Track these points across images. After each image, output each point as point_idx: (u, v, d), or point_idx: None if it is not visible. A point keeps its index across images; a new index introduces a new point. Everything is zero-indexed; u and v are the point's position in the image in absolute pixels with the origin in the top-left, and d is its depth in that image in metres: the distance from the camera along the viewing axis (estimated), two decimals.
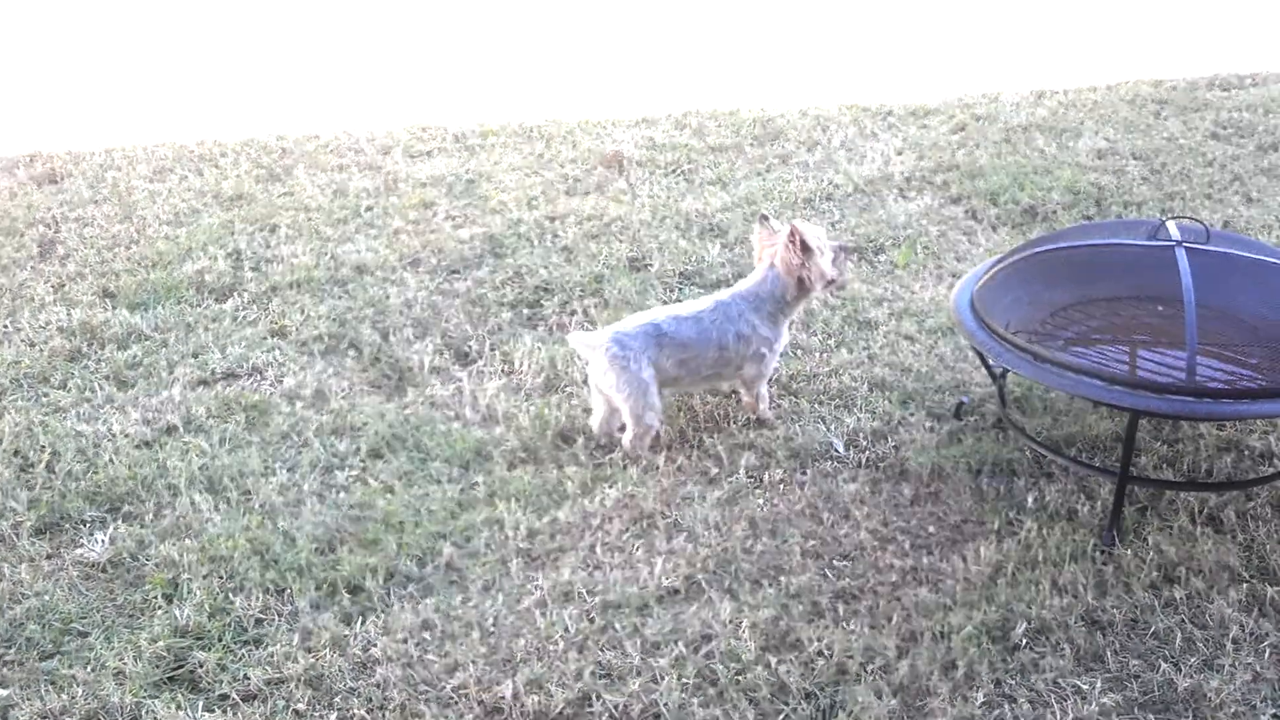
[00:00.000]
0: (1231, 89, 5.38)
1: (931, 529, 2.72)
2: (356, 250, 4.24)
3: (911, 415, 3.16)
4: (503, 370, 3.49)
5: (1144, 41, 6.17)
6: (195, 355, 3.58)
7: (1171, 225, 2.76)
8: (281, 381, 3.43)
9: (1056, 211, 4.27)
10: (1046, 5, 7.09)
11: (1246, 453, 2.92)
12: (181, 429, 3.21)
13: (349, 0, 8.26)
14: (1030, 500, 2.77)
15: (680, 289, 3.94)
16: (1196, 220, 2.79)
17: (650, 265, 4.09)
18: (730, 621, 2.45)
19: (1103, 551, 2.59)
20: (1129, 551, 2.58)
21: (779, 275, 3.15)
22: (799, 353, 3.50)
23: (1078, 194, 4.37)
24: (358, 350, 3.62)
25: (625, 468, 3.00)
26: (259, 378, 3.47)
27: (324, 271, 4.08)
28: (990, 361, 2.88)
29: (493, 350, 3.58)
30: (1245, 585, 2.50)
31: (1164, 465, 2.89)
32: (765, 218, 3.26)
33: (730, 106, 5.59)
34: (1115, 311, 3.00)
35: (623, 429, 3.14)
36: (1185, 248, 2.67)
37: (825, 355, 3.49)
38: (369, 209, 4.59)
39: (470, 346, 3.61)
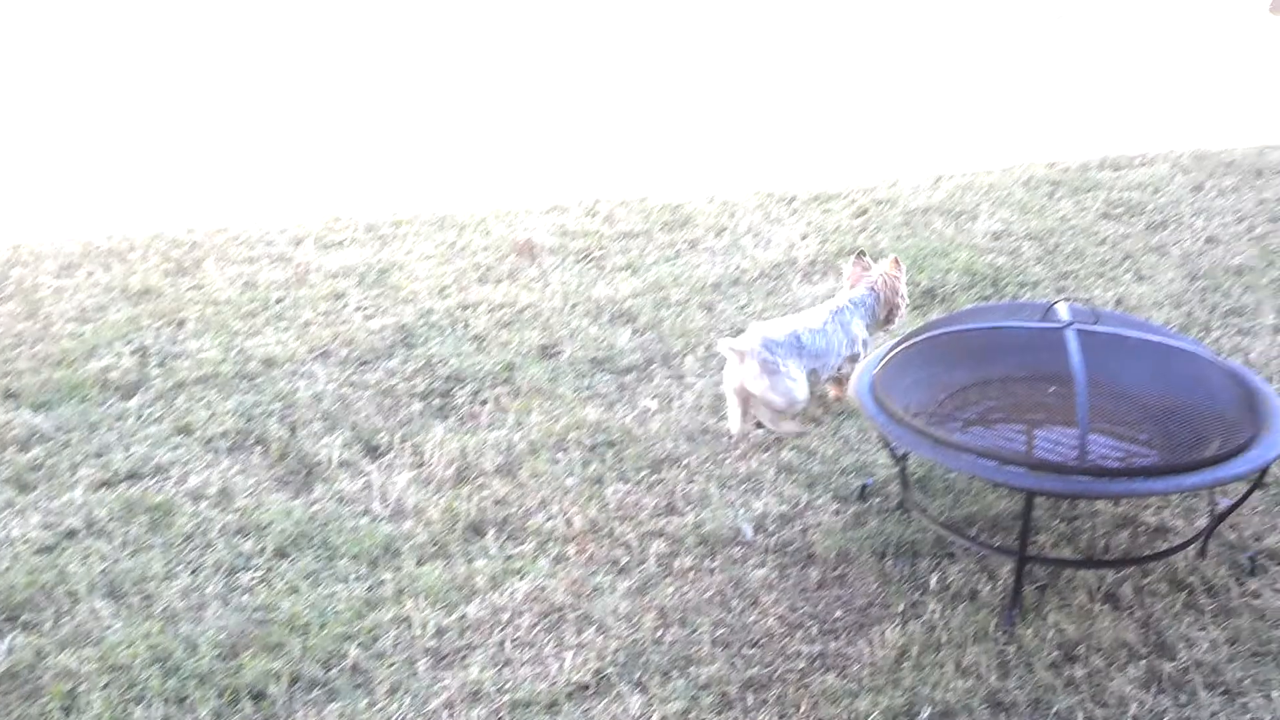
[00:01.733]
0: (1121, 169, 5.59)
1: (838, 613, 2.75)
2: (265, 343, 4.21)
3: (818, 498, 3.21)
4: (413, 462, 3.48)
5: (1037, 125, 6.40)
6: (98, 455, 3.51)
7: (1062, 307, 2.86)
8: (186, 481, 3.38)
9: (955, 292, 4.39)
10: (943, 92, 7.34)
11: (1141, 528, 3.01)
12: (83, 532, 3.14)
13: (258, 91, 8.28)
14: (934, 581, 2.82)
15: (591, 376, 3.97)
16: (1085, 302, 2.89)
17: (561, 352, 4.12)
18: (640, 716, 2.45)
19: (1004, 631, 2.64)
20: (1030, 631, 2.63)
21: (880, 296, 3.70)
22: (708, 437, 3.54)
23: (975, 275, 4.50)
24: (265, 446, 3.58)
25: (535, 559, 2.99)
26: (163, 477, 3.41)
27: (231, 366, 4.04)
28: (892, 444, 2.94)
29: (403, 442, 3.57)
30: (1143, 662, 2.56)
31: (1062, 543, 2.96)
32: (862, 254, 3.83)
33: (640, 194, 5.68)
34: (1011, 391, 3.09)
35: (759, 425, 3.53)
36: (1075, 329, 2.76)
37: (733, 439, 3.53)
38: (279, 301, 4.57)
39: (380, 439, 3.59)
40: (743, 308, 4.41)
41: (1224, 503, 2.85)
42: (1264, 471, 2.63)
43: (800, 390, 3.45)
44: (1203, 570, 2.83)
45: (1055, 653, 2.58)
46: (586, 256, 4.96)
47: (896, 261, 3.74)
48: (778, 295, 4.50)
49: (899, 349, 3.04)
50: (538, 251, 5.01)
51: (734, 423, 3.52)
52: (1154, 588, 2.79)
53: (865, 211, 5.26)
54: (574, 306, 4.47)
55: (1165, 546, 2.90)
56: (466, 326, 4.34)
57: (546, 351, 4.15)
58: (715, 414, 3.67)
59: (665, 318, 4.35)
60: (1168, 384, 2.86)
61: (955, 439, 2.67)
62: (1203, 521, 2.97)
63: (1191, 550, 2.87)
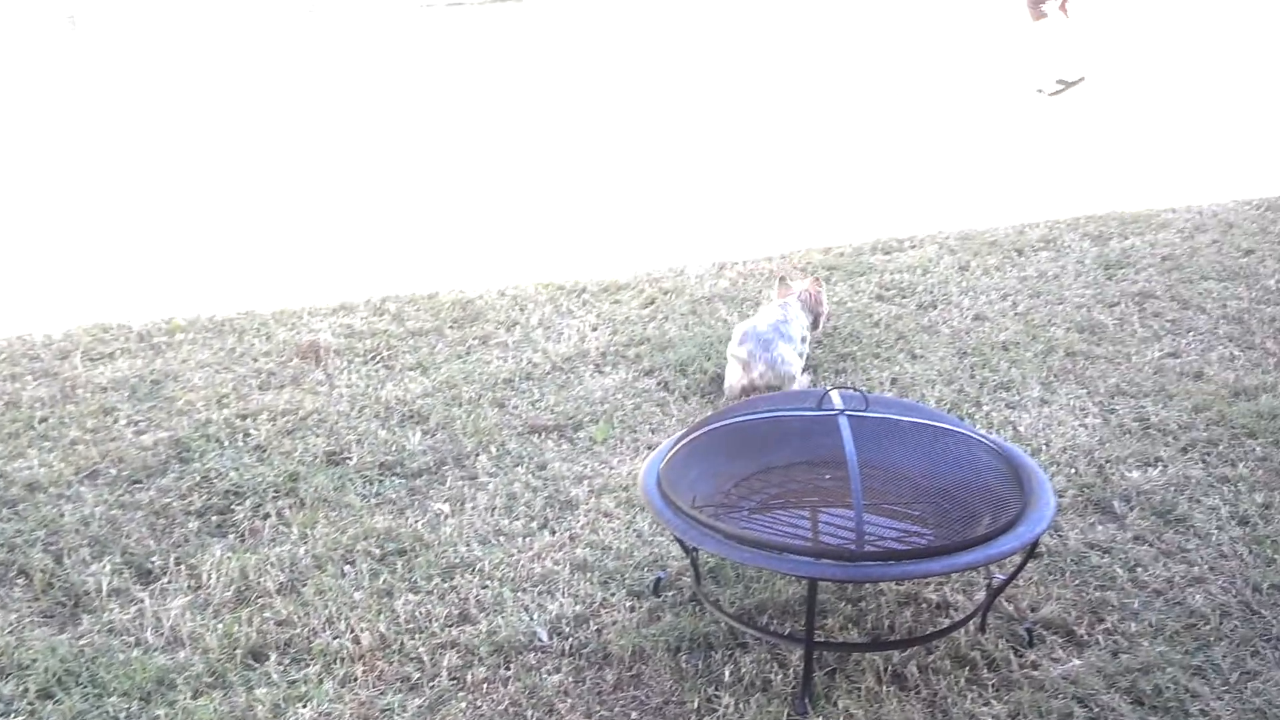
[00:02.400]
0: (892, 252, 5.85)
1: (634, 715, 2.72)
2: (29, 466, 3.96)
3: (613, 595, 3.19)
4: (189, 586, 3.31)
5: (812, 212, 6.65)
6: None
7: (835, 394, 2.94)
8: None
9: None
10: (724, 182, 7.56)
11: (924, 605, 3.10)
12: None
13: (19, 194, 7.88)
14: (727, 674, 2.83)
15: (380, 481, 3.87)
16: (856, 387, 2.98)
17: (349, 459, 4.01)
18: None
19: None
20: (820, 719, 2.66)
21: (806, 304, 4.53)
22: (501, 539, 3.49)
23: None
24: (27, 578, 3.35)
25: (321, 683, 2.87)
26: None
27: None
28: (681, 540, 2.95)
29: (178, 565, 3.39)
30: None
31: (849, 625, 3.02)
32: (784, 278, 4.71)
33: (429, 289, 5.62)
34: (792, 478, 3.16)
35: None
36: (847, 416, 2.85)
37: (528, 539, 3.49)
38: (43, 420, 4.31)
39: (153, 562, 3.41)
40: (535, 403, 4.40)
41: (999, 577, 2.96)
42: (1034, 545, 2.74)
43: (796, 367, 4.33)
44: (984, 644, 2.93)
45: None
46: (375, 357, 4.86)
47: (816, 280, 4.69)
48: (570, 388, 4.50)
49: (683, 443, 3.07)
50: (323, 354, 4.89)
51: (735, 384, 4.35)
52: (938, 665, 2.86)
53: (653, 301, 5.34)
54: (362, 410, 4.37)
55: (947, 623, 2.99)
56: (247, 437, 4.18)
57: (333, 459, 4.03)
58: (509, 514, 3.63)
59: (457, 416, 4.29)
60: (938, 464, 2.97)
61: (740, 531, 2.70)
62: (981, 595, 3.08)
63: (972, 625, 2.96)
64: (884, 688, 2.78)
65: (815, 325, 4.57)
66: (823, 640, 2.90)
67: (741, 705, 2.70)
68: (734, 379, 4.35)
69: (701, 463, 3.08)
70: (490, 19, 17.08)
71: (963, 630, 2.94)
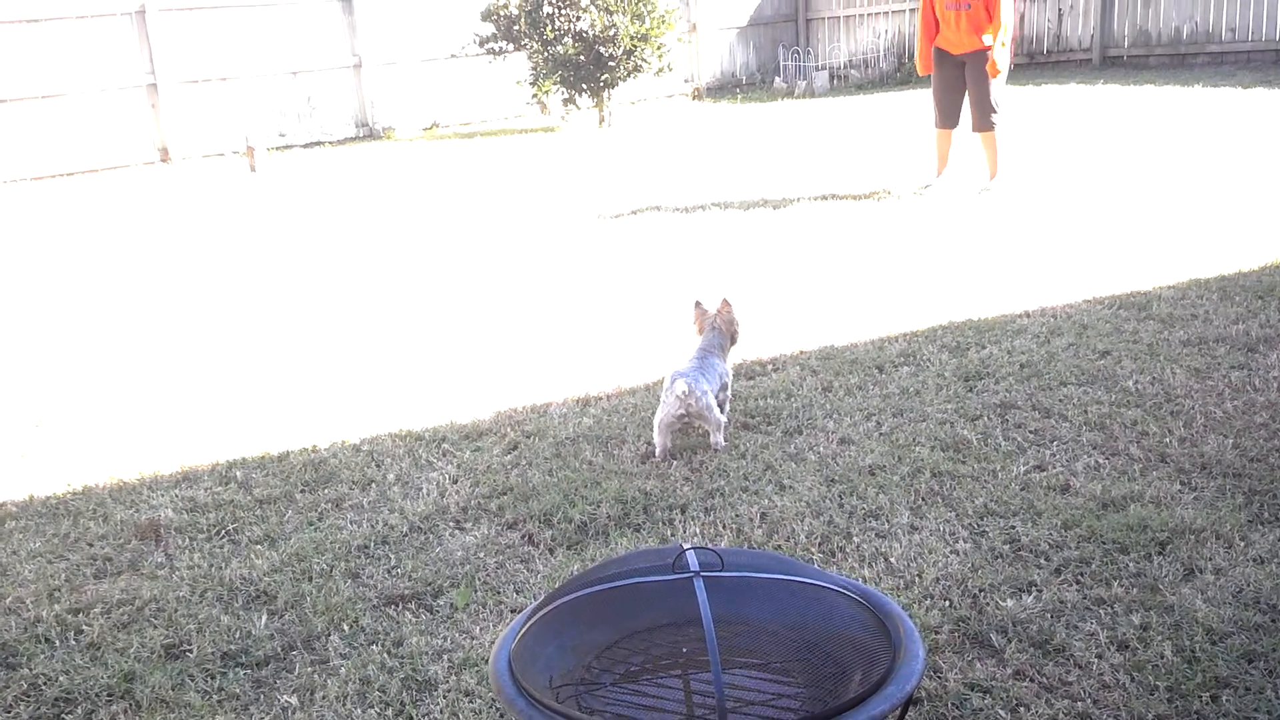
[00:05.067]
0: (756, 376, 5.79)
1: None
2: None
3: None
4: None
5: (670, 338, 6.58)
6: None
7: (690, 554, 2.80)
8: None
9: (608, 526, 4.32)
10: (589, 314, 7.49)
11: None
12: None
13: None
14: None
15: (224, 674, 3.58)
16: (710, 547, 2.84)
17: (189, 651, 3.72)
18: None
19: None
20: None
21: (720, 329, 5.11)
22: None
23: (627, 503, 4.45)
24: None
25: None
26: None
27: None
28: None
29: None
30: None
31: None
32: (699, 302, 5.20)
33: (280, 448, 5.37)
34: (654, 642, 2.98)
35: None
36: (702, 577, 2.70)
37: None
38: None
39: None
40: (391, 570, 4.16)
41: None
42: (909, 699, 2.61)
43: (715, 404, 4.87)
44: None
45: None
46: (220, 532, 4.58)
47: (726, 301, 5.11)
48: (429, 550, 4.28)
49: (537, 616, 2.88)
50: (164, 533, 4.59)
51: (662, 450, 4.87)
52: None
53: (516, 447, 5.17)
54: (204, 593, 4.08)
55: None
56: (79, 634, 3.86)
57: (171, 652, 3.73)
58: (362, 703, 3.37)
59: (307, 593, 4.03)
60: (803, 619, 2.84)
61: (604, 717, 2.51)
62: None
63: None
64: None
65: (734, 340, 5.15)
66: None
67: None
68: (671, 410, 4.79)
69: (558, 636, 2.89)
70: (340, 159, 17.06)
71: None
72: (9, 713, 3.45)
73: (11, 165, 16.43)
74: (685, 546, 2.88)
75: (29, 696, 3.54)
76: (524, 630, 2.88)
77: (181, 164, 17.65)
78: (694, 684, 2.83)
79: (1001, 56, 9.94)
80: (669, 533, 4.23)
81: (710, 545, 3.11)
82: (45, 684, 3.58)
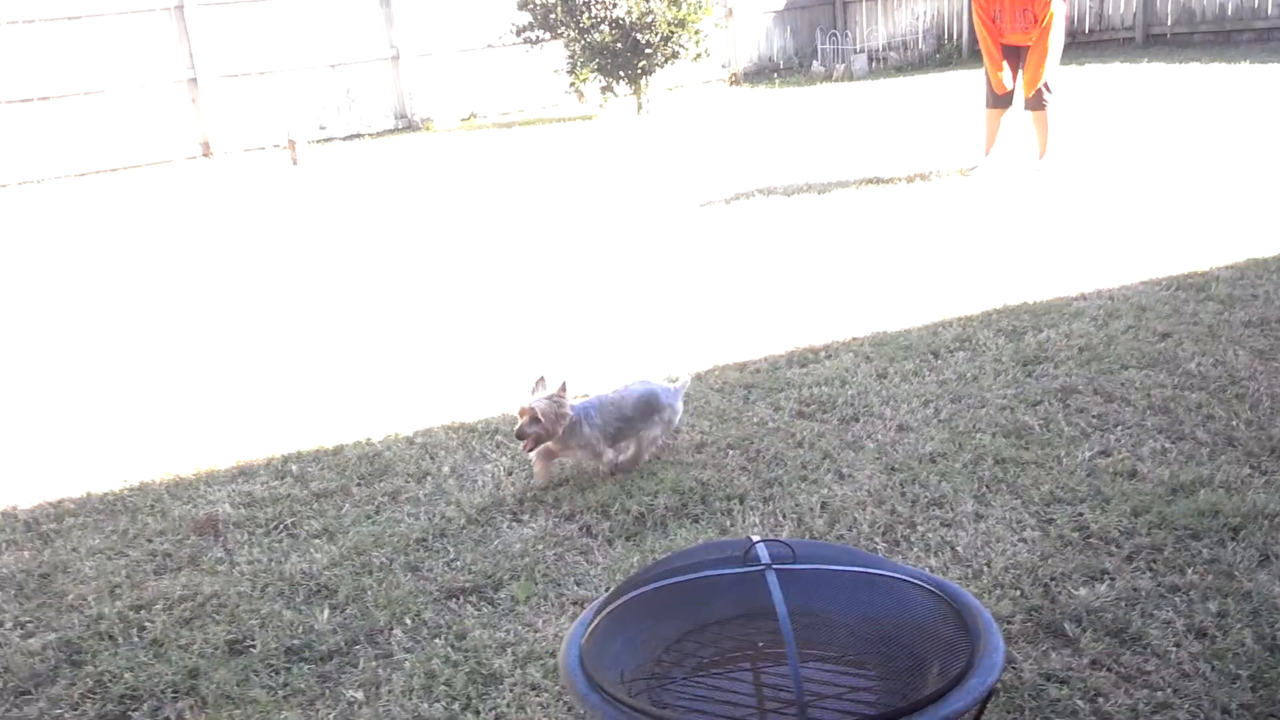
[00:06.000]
0: (809, 364, 5.72)
1: None
2: None
3: None
4: None
5: (720, 327, 6.54)
6: None
7: (761, 547, 2.76)
8: None
9: (665, 517, 4.28)
10: (632, 303, 7.44)
11: None
12: None
13: None
14: None
15: (287, 669, 3.58)
16: (782, 541, 2.80)
17: (253, 646, 3.72)
18: None
19: None
20: None
21: (545, 416, 4.57)
22: None
23: (683, 494, 4.42)
24: None
25: None
26: None
27: None
28: None
29: None
30: None
31: None
32: (543, 378, 4.62)
33: (334, 442, 5.37)
34: (724, 635, 2.94)
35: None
36: (774, 571, 2.66)
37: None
38: None
39: None
40: (450, 563, 4.15)
41: None
42: (990, 695, 2.55)
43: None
44: None
45: None
46: (278, 526, 4.59)
47: (562, 389, 4.57)
48: (487, 543, 4.26)
49: (605, 612, 2.85)
50: (222, 528, 4.60)
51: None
52: None
53: None
54: (265, 589, 4.08)
55: None
56: (142, 630, 3.87)
57: (235, 648, 3.74)
58: (428, 696, 3.36)
59: (368, 586, 4.02)
60: (877, 611, 2.79)
61: (670, 715, 2.47)
62: None
63: None
64: None
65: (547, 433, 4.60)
66: None
67: None
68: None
69: (627, 630, 2.86)
70: (380, 152, 17.09)
71: None
72: (76, 710, 3.46)
73: (56, 162, 16.58)
74: (755, 539, 2.84)
75: (95, 694, 3.55)
76: (593, 625, 2.85)
77: (223, 158, 17.75)
78: (766, 677, 2.79)
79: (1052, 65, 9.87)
80: (727, 523, 4.19)
81: (780, 538, 3.05)
82: (111, 681, 3.60)
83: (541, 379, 4.59)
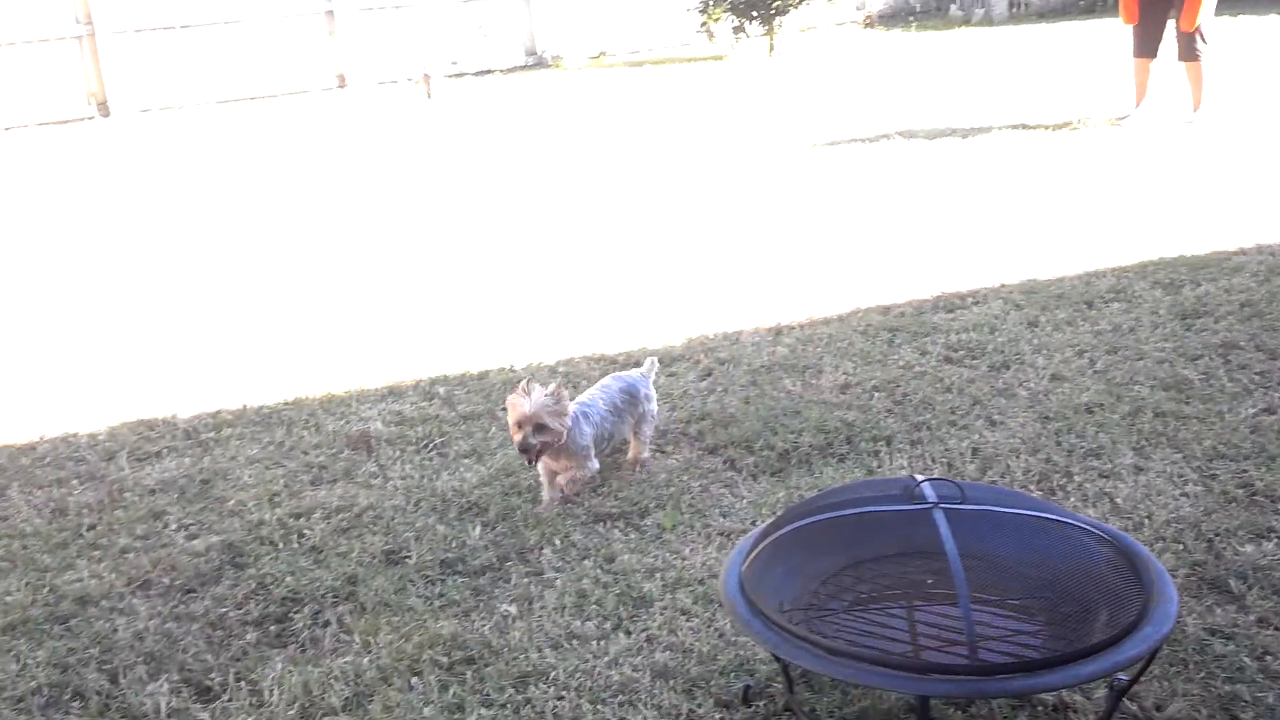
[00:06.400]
0: (956, 309, 5.64)
1: None
2: (79, 578, 3.81)
3: (699, 706, 2.97)
4: (251, 704, 3.13)
5: (865, 269, 6.47)
6: None
7: (926, 487, 2.74)
8: None
9: (810, 454, 4.28)
10: (769, 240, 7.40)
11: (1041, 708, 2.86)
12: None
13: (58, 285, 7.84)
14: None
15: (442, 581, 3.69)
16: (950, 480, 2.78)
17: (408, 557, 3.84)
18: None
19: None
20: None
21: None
22: (575, 642, 3.29)
23: (828, 433, 4.41)
24: (83, 700, 3.18)
25: None
26: None
27: (42, 609, 3.63)
28: (771, 650, 2.74)
29: (238, 681, 3.22)
30: None
31: None
32: (528, 380, 4.03)
33: (479, 368, 5.48)
34: (884, 572, 2.94)
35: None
36: (942, 509, 2.65)
37: (602, 643, 3.28)
38: (91, 528, 4.18)
39: (212, 679, 3.23)
40: (597, 488, 4.21)
41: (1122, 678, 2.73)
42: (1159, 646, 2.52)
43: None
44: None
45: None
46: (428, 445, 4.70)
47: (560, 387, 4.05)
48: (631, 471, 4.32)
49: (765, 542, 2.87)
50: (375, 444, 4.74)
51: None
52: None
53: (710, 373, 5.16)
54: (418, 503, 4.20)
55: None
56: (301, 537, 4.02)
57: (391, 558, 3.86)
58: (580, 614, 3.43)
59: (517, 506, 4.11)
60: (1046, 556, 2.76)
61: (840, 645, 2.49)
62: (1101, 693, 2.85)
63: None
64: None
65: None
66: None
67: None
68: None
69: (785, 561, 2.87)
70: (511, 88, 17.16)
71: None
72: (240, 609, 3.61)
73: (197, 89, 17.02)
74: (920, 478, 2.83)
75: (257, 595, 3.70)
76: (753, 553, 2.87)
77: (358, 90, 18.04)
78: (925, 615, 2.79)
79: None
80: (874, 464, 4.17)
81: (948, 478, 3.03)
82: (272, 583, 3.74)
83: (528, 381, 4.01)
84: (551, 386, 3.97)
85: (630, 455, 4.39)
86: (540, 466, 4.08)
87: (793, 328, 5.64)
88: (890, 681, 2.42)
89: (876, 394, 4.75)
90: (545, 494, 4.15)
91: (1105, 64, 12.98)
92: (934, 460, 4.15)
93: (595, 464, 4.14)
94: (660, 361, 5.30)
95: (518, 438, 3.92)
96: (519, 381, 3.99)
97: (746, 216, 8.09)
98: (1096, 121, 10.10)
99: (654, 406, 4.41)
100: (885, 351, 5.19)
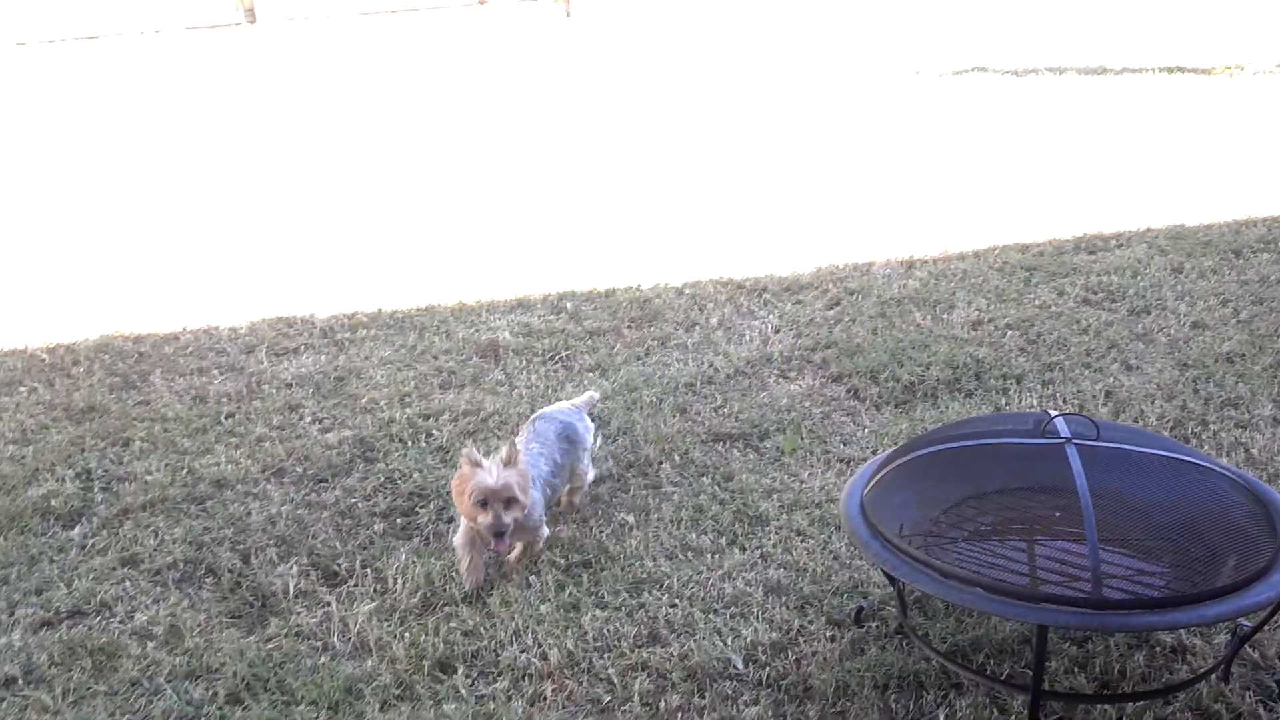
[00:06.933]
0: (1097, 251, 5.49)
1: None
2: (216, 462, 3.99)
3: (811, 623, 3.00)
4: (375, 590, 3.25)
5: (1005, 206, 6.32)
6: (39, 593, 3.28)
7: (1060, 422, 2.69)
8: (132, 618, 3.15)
9: (937, 388, 4.23)
10: (908, 173, 7.26)
11: (1159, 650, 2.82)
12: (21, 681, 2.91)
13: (200, 187, 8.11)
14: (942, 718, 2.62)
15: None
16: (1084, 415, 2.73)
17: None
18: None
19: None
20: None
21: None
22: (690, 554, 3.33)
23: (957, 368, 4.35)
24: (216, 577, 3.35)
25: (509, 701, 2.77)
26: (108, 615, 3.18)
27: (180, 489, 3.81)
28: (887, 572, 2.74)
29: (364, 568, 3.35)
30: None
31: (1075, 669, 2.76)
32: (469, 448, 3.25)
33: (606, 285, 5.52)
34: (1009, 506, 2.91)
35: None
36: (1075, 445, 2.60)
37: (717, 556, 3.32)
38: (230, 416, 4.35)
39: (339, 565, 3.37)
40: (718, 409, 4.23)
41: (1246, 624, 2.67)
42: None
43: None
44: (1228, 697, 2.64)
45: None
46: (553, 357, 4.78)
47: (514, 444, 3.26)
48: (753, 395, 4.33)
49: (889, 467, 2.86)
50: (502, 353, 4.83)
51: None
52: (1177, 718, 2.60)
53: (838, 302, 5.12)
54: None
55: (1186, 671, 2.72)
56: (430, 437, 4.13)
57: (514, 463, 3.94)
58: (696, 528, 3.47)
59: (638, 421, 4.16)
60: (1177, 499, 2.69)
61: (959, 570, 2.48)
62: (1222, 639, 2.79)
63: (1214, 675, 2.68)
64: None
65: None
66: (1050, 689, 2.66)
67: None
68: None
69: (908, 487, 2.86)
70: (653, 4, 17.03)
71: (1204, 680, 2.66)
72: (369, 500, 3.74)
73: (342, 2, 17.27)
74: (1053, 413, 2.78)
75: (386, 488, 3.82)
76: (877, 477, 2.87)
77: (497, 7, 18.10)
78: (1046, 550, 2.75)
79: None
80: (1002, 401, 4.11)
81: (1084, 414, 2.97)
82: (400, 479, 3.86)
83: (469, 450, 3.24)
84: (503, 450, 3.23)
85: (565, 499, 3.68)
86: (461, 543, 3.29)
87: (925, 261, 5.55)
88: (1010, 610, 2.40)
89: (1009, 332, 4.66)
90: (467, 568, 3.28)
91: (1271, 6, 12.35)
92: (1065, 401, 4.07)
93: (546, 531, 3.41)
94: (787, 288, 5.30)
95: (485, 519, 3.15)
96: (462, 450, 3.24)
97: (883, 145, 7.94)
98: (1258, 67, 9.63)
99: (591, 438, 3.71)
100: (1021, 290, 5.08)
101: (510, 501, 3.16)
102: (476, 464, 3.19)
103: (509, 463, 3.20)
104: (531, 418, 3.64)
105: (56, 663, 2.97)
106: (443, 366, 4.74)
